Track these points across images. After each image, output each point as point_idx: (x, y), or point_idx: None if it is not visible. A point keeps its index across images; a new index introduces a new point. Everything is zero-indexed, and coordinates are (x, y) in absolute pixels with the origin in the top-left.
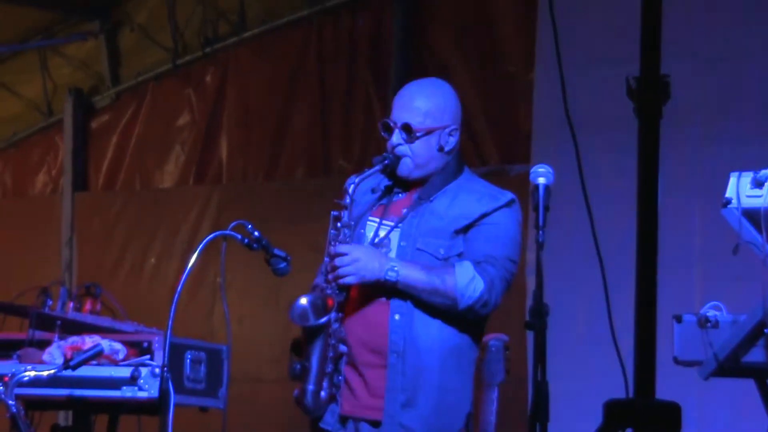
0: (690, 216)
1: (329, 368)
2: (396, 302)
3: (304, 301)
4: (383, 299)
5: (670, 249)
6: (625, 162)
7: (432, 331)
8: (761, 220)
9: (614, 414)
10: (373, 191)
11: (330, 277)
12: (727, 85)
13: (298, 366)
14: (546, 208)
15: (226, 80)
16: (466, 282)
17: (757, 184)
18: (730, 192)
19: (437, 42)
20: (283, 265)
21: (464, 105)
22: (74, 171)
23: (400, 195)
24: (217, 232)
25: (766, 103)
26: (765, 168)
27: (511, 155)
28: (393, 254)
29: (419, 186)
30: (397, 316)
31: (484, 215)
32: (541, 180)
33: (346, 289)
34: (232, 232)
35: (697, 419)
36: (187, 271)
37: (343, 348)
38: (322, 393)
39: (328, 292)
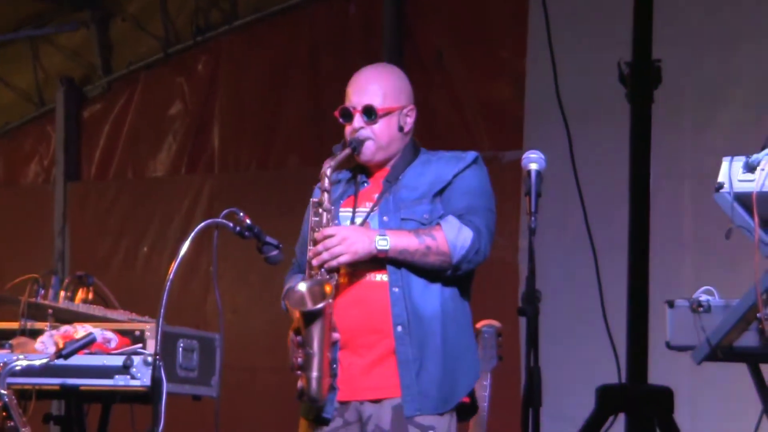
0: (682, 201)
1: (329, 355)
2: (392, 276)
3: (302, 286)
4: (375, 279)
5: (663, 234)
6: (617, 147)
7: (430, 298)
8: (753, 204)
9: (607, 399)
10: (337, 183)
11: (314, 262)
12: (720, 70)
13: (301, 355)
14: (538, 194)
15: (218, 69)
16: (455, 233)
17: (750, 168)
18: (722, 177)
19: (429, 29)
20: (275, 253)
21: (457, 91)
22: (66, 161)
23: (365, 184)
24: (209, 221)
25: (758, 88)
26: (757, 153)
27: (503, 141)
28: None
29: (382, 172)
30: (396, 289)
31: (455, 175)
32: (533, 166)
33: (335, 271)
34: (224, 221)
35: (689, 404)
36: (178, 259)
37: (336, 335)
38: (326, 380)
39: (324, 277)
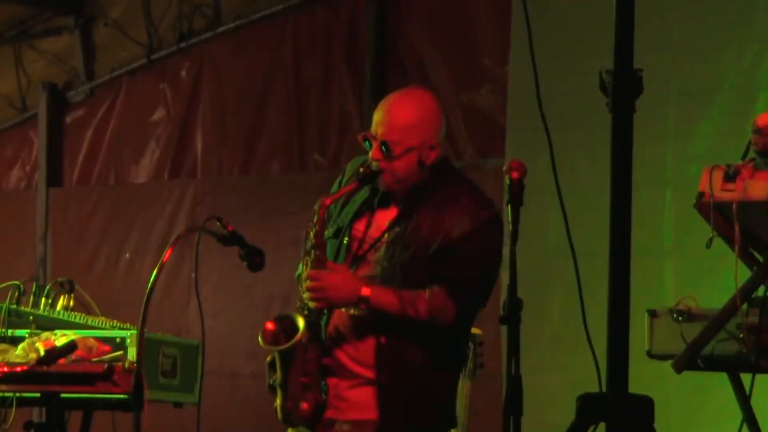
0: (663, 209)
1: (310, 381)
2: (381, 324)
3: (270, 326)
4: (367, 317)
5: (643, 242)
6: (599, 156)
7: (419, 351)
8: (734, 213)
9: (587, 408)
10: (354, 201)
11: (304, 295)
12: (701, 79)
13: (273, 384)
14: (519, 203)
15: (201, 75)
16: (437, 310)
17: (730, 178)
18: (703, 185)
19: (412, 36)
20: (257, 260)
21: (439, 98)
22: (48, 166)
23: (383, 202)
24: (191, 227)
25: (739, 96)
26: (738, 162)
27: (485, 149)
28: (377, 270)
29: (402, 194)
30: (383, 340)
31: (464, 234)
32: (515, 174)
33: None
34: (206, 227)
35: (669, 413)
36: (160, 266)
37: (327, 360)
38: (304, 404)
39: (298, 312)
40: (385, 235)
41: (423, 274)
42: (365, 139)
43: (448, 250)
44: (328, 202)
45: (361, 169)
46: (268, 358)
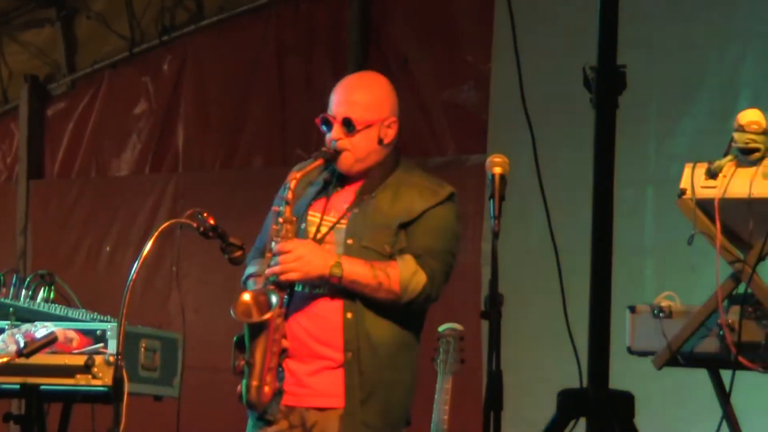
0: (645, 206)
1: (273, 363)
2: (347, 300)
3: (247, 297)
4: (331, 297)
5: (625, 239)
6: (582, 152)
7: (383, 328)
8: (715, 210)
9: (568, 403)
10: (311, 185)
11: (267, 273)
12: (684, 77)
13: (242, 363)
14: (502, 198)
15: (183, 69)
16: (409, 276)
17: (712, 174)
18: (684, 183)
19: (395, 31)
20: (238, 253)
21: (422, 94)
22: (29, 159)
23: (339, 189)
24: (173, 220)
25: (721, 94)
26: (719, 159)
27: (467, 145)
28: (339, 251)
29: (358, 179)
30: (349, 315)
31: (425, 210)
32: (497, 170)
33: (289, 284)
34: (188, 221)
35: (650, 408)
36: (140, 258)
37: (285, 343)
38: (266, 388)
39: (271, 287)
40: (345, 218)
41: (386, 250)
42: (324, 121)
43: (410, 225)
44: (299, 176)
45: (323, 149)
46: (235, 338)
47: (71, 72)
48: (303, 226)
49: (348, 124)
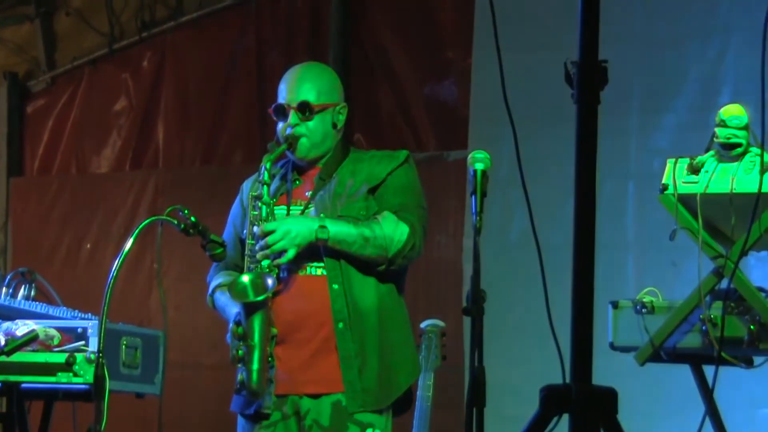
0: (626, 202)
1: (268, 348)
2: (331, 272)
3: (245, 278)
4: (315, 273)
5: (607, 235)
6: (563, 147)
7: (369, 293)
8: (697, 206)
9: (551, 400)
10: (268, 184)
11: (259, 255)
12: (665, 72)
13: (243, 347)
14: (483, 194)
15: (163, 65)
16: (393, 227)
17: (693, 170)
18: (666, 178)
19: (376, 27)
20: (219, 250)
21: (402, 90)
22: (9, 156)
23: (298, 182)
24: (153, 217)
25: (703, 89)
26: (701, 154)
27: (448, 141)
28: None
29: (313, 169)
30: (335, 286)
31: (389, 173)
32: (479, 166)
33: (278, 266)
34: (168, 218)
35: (633, 404)
36: (120, 256)
37: (274, 330)
38: (265, 374)
39: (254, 269)
40: (311, 201)
41: (362, 214)
42: (277, 110)
43: (377, 189)
44: (272, 158)
45: (283, 136)
46: (233, 327)
47: (51, 69)
48: (270, 219)
49: (304, 108)
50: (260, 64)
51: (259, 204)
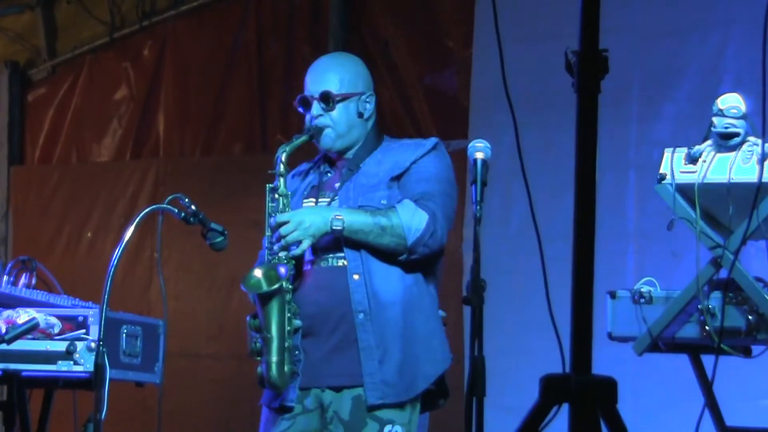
0: (625, 192)
1: (288, 342)
2: (352, 263)
3: (257, 272)
4: (336, 264)
5: (606, 225)
6: (564, 137)
7: (391, 284)
8: (695, 195)
9: (550, 389)
10: (302, 177)
11: (276, 247)
12: (666, 62)
13: (259, 340)
14: (483, 184)
15: (163, 54)
16: (410, 216)
17: (691, 160)
18: (664, 168)
19: (376, 16)
20: (220, 239)
21: (403, 80)
22: (10, 145)
23: (329, 174)
24: (154, 206)
25: (703, 80)
26: (699, 144)
27: (449, 130)
28: None
29: (344, 161)
30: (356, 276)
31: (414, 162)
32: (479, 155)
33: (295, 258)
34: (169, 206)
35: (632, 394)
36: (121, 244)
37: (297, 322)
38: (286, 366)
39: (274, 261)
40: (336, 195)
41: (382, 204)
42: (301, 102)
43: (402, 177)
44: (288, 149)
45: (305, 127)
46: (248, 318)
47: (52, 57)
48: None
49: (326, 98)
50: (261, 54)
51: (276, 195)
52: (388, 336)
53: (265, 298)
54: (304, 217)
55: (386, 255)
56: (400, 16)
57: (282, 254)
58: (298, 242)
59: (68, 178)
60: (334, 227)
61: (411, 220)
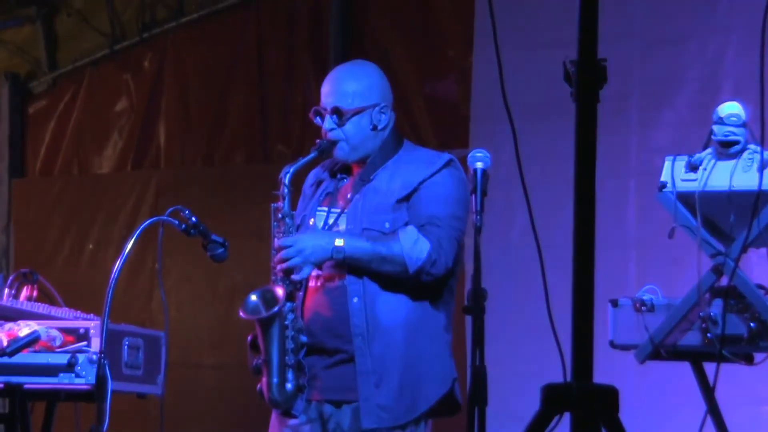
0: (626, 200)
1: (291, 360)
2: (353, 286)
3: (254, 297)
4: (341, 284)
5: (607, 233)
6: (563, 146)
7: (393, 308)
8: (696, 203)
9: (552, 398)
10: (318, 183)
11: (278, 269)
12: (665, 70)
13: (258, 361)
14: (483, 193)
15: (164, 65)
16: (411, 244)
17: (692, 168)
18: (665, 176)
19: (376, 25)
20: (220, 250)
21: (403, 88)
22: (11, 157)
23: (345, 180)
24: (155, 218)
25: (702, 88)
26: (699, 152)
27: (449, 139)
28: None
29: (360, 168)
30: (355, 299)
31: (422, 181)
32: (479, 164)
33: (299, 281)
34: (170, 218)
35: (634, 402)
36: (123, 256)
37: (303, 338)
38: (288, 385)
39: (277, 282)
40: (348, 206)
41: (386, 227)
42: (317, 113)
43: (410, 198)
44: (292, 170)
45: (317, 141)
46: (249, 338)
47: (52, 70)
48: (312, 221)
49: (337, 114)
50: (261, 64)
51: (279, 216)
52: (387, 360)
53: (264, 322)
54: (306, 243)
55: (390, 279)
56: (401, 24)
57: (282, 275)
58: (300, 267)
59: (69, 190)
60: (335, 255)
61: (412, 250)
